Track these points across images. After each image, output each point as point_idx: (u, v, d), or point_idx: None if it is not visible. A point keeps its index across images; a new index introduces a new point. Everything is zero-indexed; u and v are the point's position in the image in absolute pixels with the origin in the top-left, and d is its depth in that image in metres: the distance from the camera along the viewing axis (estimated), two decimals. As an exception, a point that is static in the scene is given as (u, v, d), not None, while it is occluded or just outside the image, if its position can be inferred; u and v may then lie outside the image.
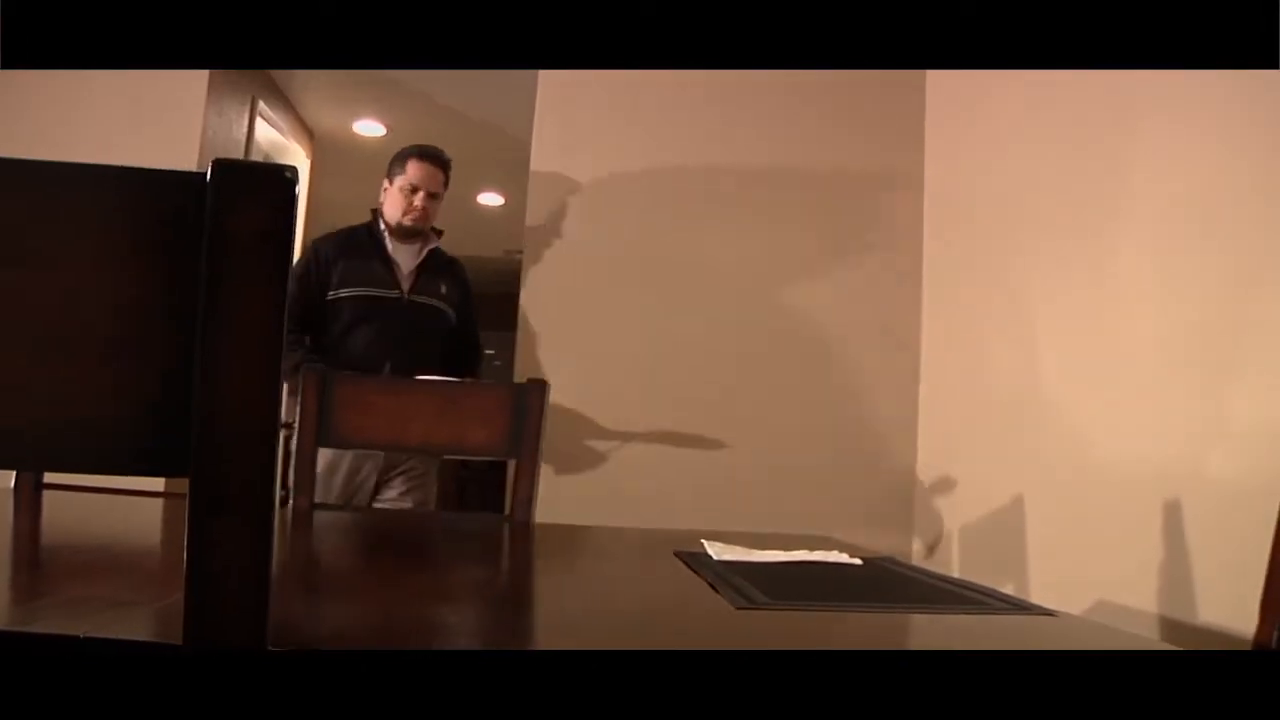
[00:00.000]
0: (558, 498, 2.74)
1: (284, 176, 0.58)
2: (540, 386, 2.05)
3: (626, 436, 3.19)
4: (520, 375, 3.11)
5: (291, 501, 2.09)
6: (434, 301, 3.07)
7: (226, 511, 0.61)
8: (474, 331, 3.24)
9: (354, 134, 5.15)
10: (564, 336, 3.26)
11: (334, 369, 2.45)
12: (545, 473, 2.67)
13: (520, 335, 3.25)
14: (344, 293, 2.98)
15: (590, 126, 3.34)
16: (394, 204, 3.08)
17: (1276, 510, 1.57)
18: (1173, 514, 2.14)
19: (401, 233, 3.06)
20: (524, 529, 1.91)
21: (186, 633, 0.61)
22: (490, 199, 6.38)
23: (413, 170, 3.10)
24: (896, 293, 3.37)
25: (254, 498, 0.61)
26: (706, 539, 1.48)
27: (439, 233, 3.19)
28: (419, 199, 3.05)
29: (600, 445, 3.18)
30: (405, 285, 3.03)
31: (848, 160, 3.39)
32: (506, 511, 2.08)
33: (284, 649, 0.65)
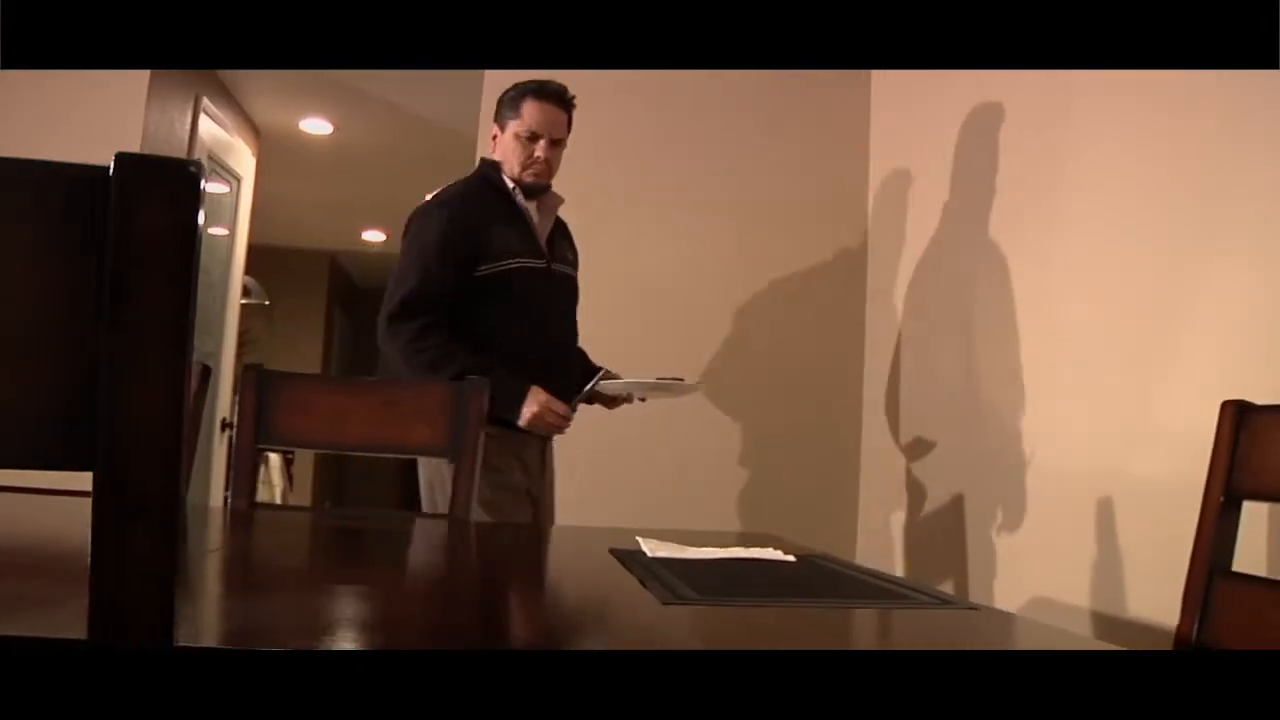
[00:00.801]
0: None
1: (188, 171, 0.58)
2: (480, 386, 2.05)
3: (573, 436, 3.19)
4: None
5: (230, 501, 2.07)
6: (571, 272, 2.61)
7: (131, 508, 0.60)
8: None
9: (301, 132, 5.10)
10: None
11: (490, 360, 2.29)
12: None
13: (465, 335, 3.23)
14: (503, 265, 2.43)
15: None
16: (510, 154, 2.51)
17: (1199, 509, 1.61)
18: (1105, 513, 2.18)
19: (525, 189, 2.51)
20: (463, 528, 1.91)
21: (91, 629, 0.61)
22: (439, 198, 6.34)
23: (530, 113, 2.49)
24: (843, 294, 3.40)
25: (160, 495, 0.61)
26: (642, 536, 1.49)
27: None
28: (540, 148, 2.48)
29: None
30: (546, 252, 2.53)
31: (794, 160, 3.42)
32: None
33: (190, 646, 0.64)
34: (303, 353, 8.25)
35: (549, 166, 2.51)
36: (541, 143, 2.48)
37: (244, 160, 4.75)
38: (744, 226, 3.36)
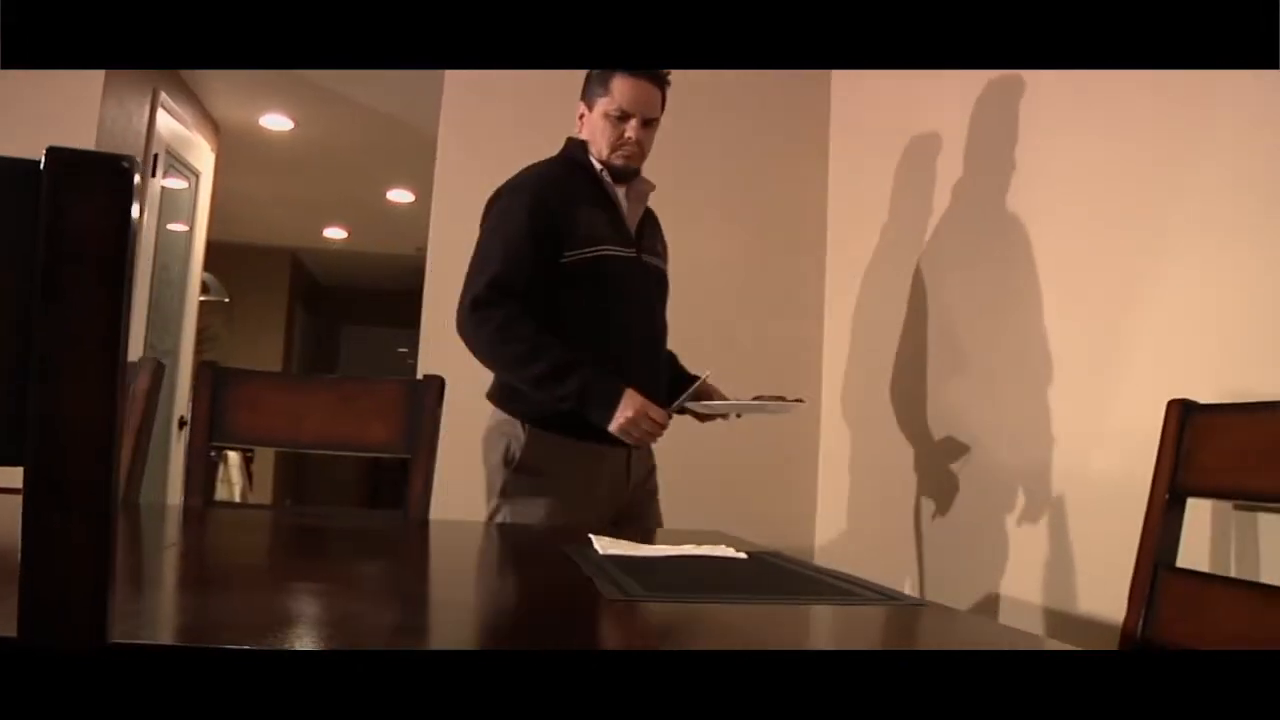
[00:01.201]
0: (462, 494, 2.72)
1: (121, 166, 0.58)
2: (436, 383, 2.04)
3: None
4: (424, 373, 3.08)
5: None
6: (661, 265, 2.38)
7: (65, 505, 0.60)
8: None
9: (261, 128, 5.06)
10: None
11: (583, 356, 2.12)
12: (450, 470, 2.66)
13: (424, 332, 3.22)
14: (589, 252, 2.21)
15: (496, 124, 3.33)
16: (598, 135, 2.29)
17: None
18: (1058, 510, 2.21)
19: (613, 172, 2.29)
20: (419, 526, 1.91)
21: (21, 627, 0.60)
22: (400, 195, 6.32)
23: (621, 90, 2.26)
24: (802, 289, 3.42)
25: (93, 491, 0.60)
26: (595, 535, 1.49)
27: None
28: (631, 128, 2.25)
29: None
30: (635, 241, 2.30)
31: (756, 156, 3.43)
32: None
33: (125, 643, 0.64)
34: (263, 350, 8.19)
35: (640, 149, 2.29)
36: (633, 122, 2.25)
37: (203, 156, 4.71)
38: (705, 222, 3.37)
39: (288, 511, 2.76)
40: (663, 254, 2.40)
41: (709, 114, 3.40)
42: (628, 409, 2.06)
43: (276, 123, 5.00)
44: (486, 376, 3.19)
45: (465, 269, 3.30)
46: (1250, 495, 1.57)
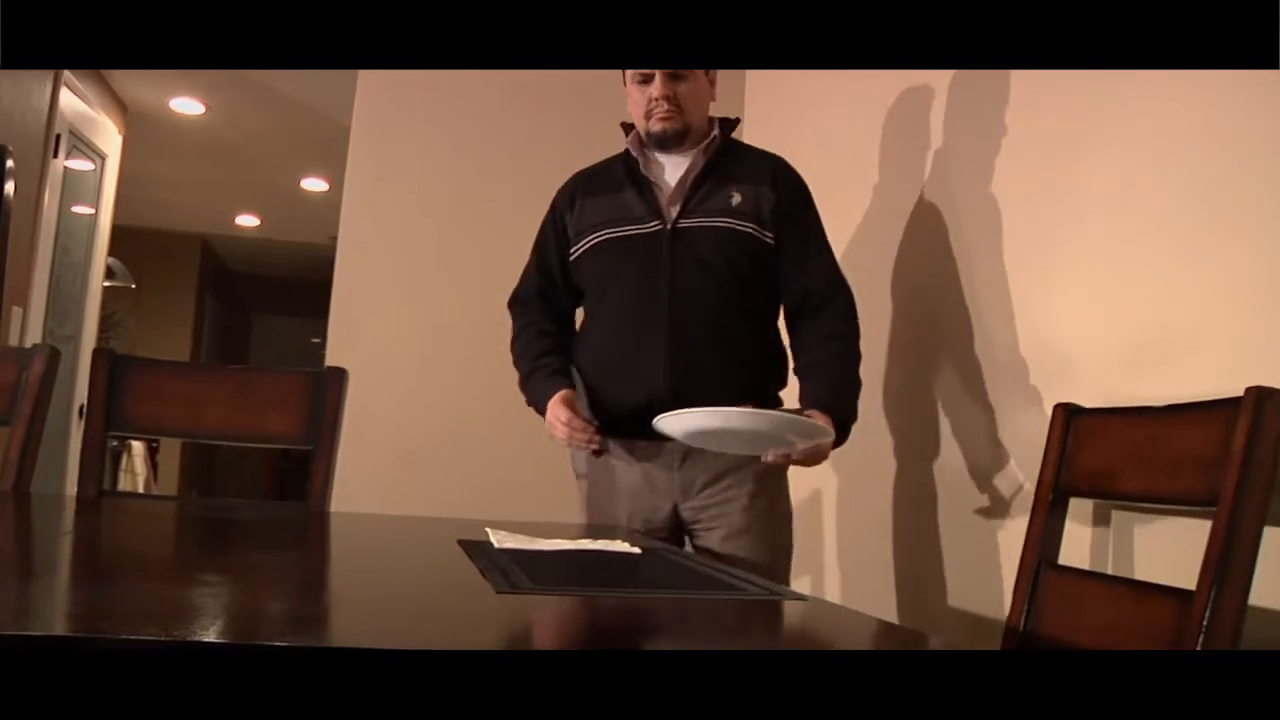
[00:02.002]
0: (365, 486, 2.71)
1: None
2: (339, 375, 2.03)
3: (439, 426, 3.18)
4: (332, 365, 3.05)
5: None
6: (713, 221, 2.03)
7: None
8: (821, 268, 2.08)
9: (171, 111, 4.95)
10: (378, 325, 3.22)
11: (564, 360, 2.09)
12: (356, 462, 2.64)
13: (332, 324, 3.19)
14: (586, 243, 2.11)
15: (410, 114, 3.31)
16: (634, 108, 2.14)
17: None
18: (958, 511, 2.27)
19: (657, 141, 2.10)
20: (318, 518, 1.89)
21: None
22: (314, 184, 6.23)
23: None
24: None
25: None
26: (491, 528, 1.50)
27: (728, 121, 2.15)
28: (656, 88, 2.05)
29: (413, 434, 3.16)
30: (671, 210, 2.05)
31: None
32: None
33: (9, 634, 0.64)
34: (171, 339, 8.01)
35: (675, 105, 2.05)
36: (656, 81, 2.05)
37: (110, 138, 4.59)
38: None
39: (185, 502, 2.70)
40: (737, 207, 2.02)
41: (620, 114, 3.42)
42: (550, 414, 2.02)
43: (187, 106, 4.89)
44: (394, 370, 3.18)
45: (377, 259, 3.29)
46: (1122, 495, 1.64)
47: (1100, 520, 1.79)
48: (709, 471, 2.00)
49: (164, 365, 2.19)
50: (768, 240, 2.04)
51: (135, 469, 6.35)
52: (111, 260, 5.37)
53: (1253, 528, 1.27)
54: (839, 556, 2.76)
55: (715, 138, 2.09)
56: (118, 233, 4.92)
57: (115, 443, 6.02)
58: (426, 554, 1.44)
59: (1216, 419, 1.36)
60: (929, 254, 2.44)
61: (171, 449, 7.76)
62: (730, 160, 2.09)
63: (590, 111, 3.39)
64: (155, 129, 5.13)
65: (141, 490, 6.34)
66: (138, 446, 6.42)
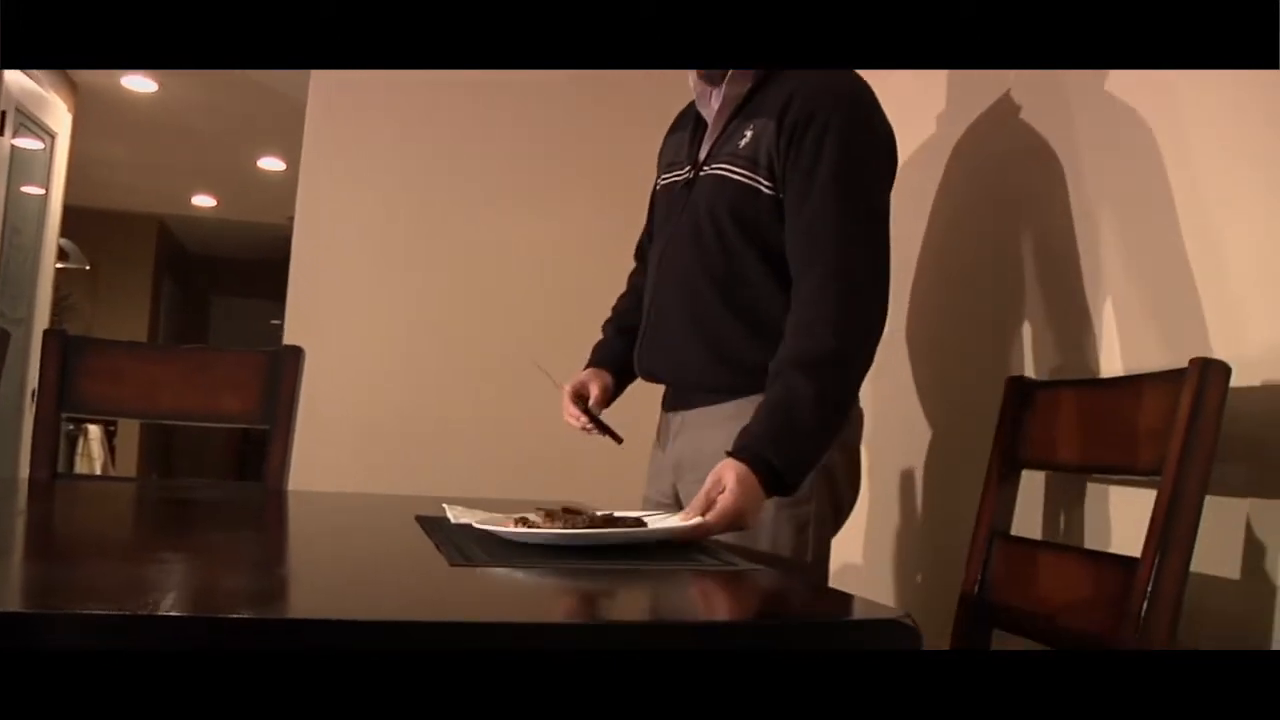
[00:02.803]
0: (324, 465, 2.70)
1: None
2: (295, 353, 2.02)
3: (399, 405, 3.17)
4: (291, 344, 3.03)
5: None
6: (718, 167, 1.67)
7: None
8: (804, 224, 1.56)
9: (122, 89, 4.86)
10: (336, 305, 3.20)
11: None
12: (316, 442, 2.63)
13: (290, 304, 3.16)
14: (653, 192, 1.93)
15: (366, 92, 3.27)
16: None
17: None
18: (915, 482, 2.30)
19: (707, 76, 1.73)
20: (276, 497, 1.89)
21: None
22: (271, 164, 6.16)
23: None
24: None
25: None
26: (449, 504, 1.51)
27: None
28: None
29: (373, 413, 3.14)
30: (702, 152, 1.74)
31: (625, 150, 3.44)
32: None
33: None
34: (128, 321, 7.91)
35: None
36: None
37: (59, 116, 4.51)
38: (580, 210, 3.38)
39: (140, 483, 2.68)
40: (743, 150, 1.64)
41: (575, 114, 3.40)
42: None
43: (139, 84, 4.81)
44: (353, 349, 3.17)
45: (334, 239, 3.27)
46: (1073, 466, 1.67)
47: (1053, 491, 1.82)
48: (694, 452, 1.70)
49: (117, 346, 2.16)
50: (764, 189, 1.60)
51: (92, 453, 6.28)
52: (64, 241, 5.29)
53: (1195, 496, 1.29)
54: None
55: (757, 75, 1.69)
56: (70, 213, 4.85)
57: (71, 427, 5.94)
58: (384, 530, 1.44)
59: (1162, 390, 1.38)
60: (951, 245, 2.46)
61: (130, 432, 7.67)
62: (774, 87, 1.66)
63: (550, 90, 3.38)
64: (107, 107, 5.05)
65: (99, 473, 6.27)
66: (94, 430, 6.35)
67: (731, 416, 1.58)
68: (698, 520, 1.33)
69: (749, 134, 1.63)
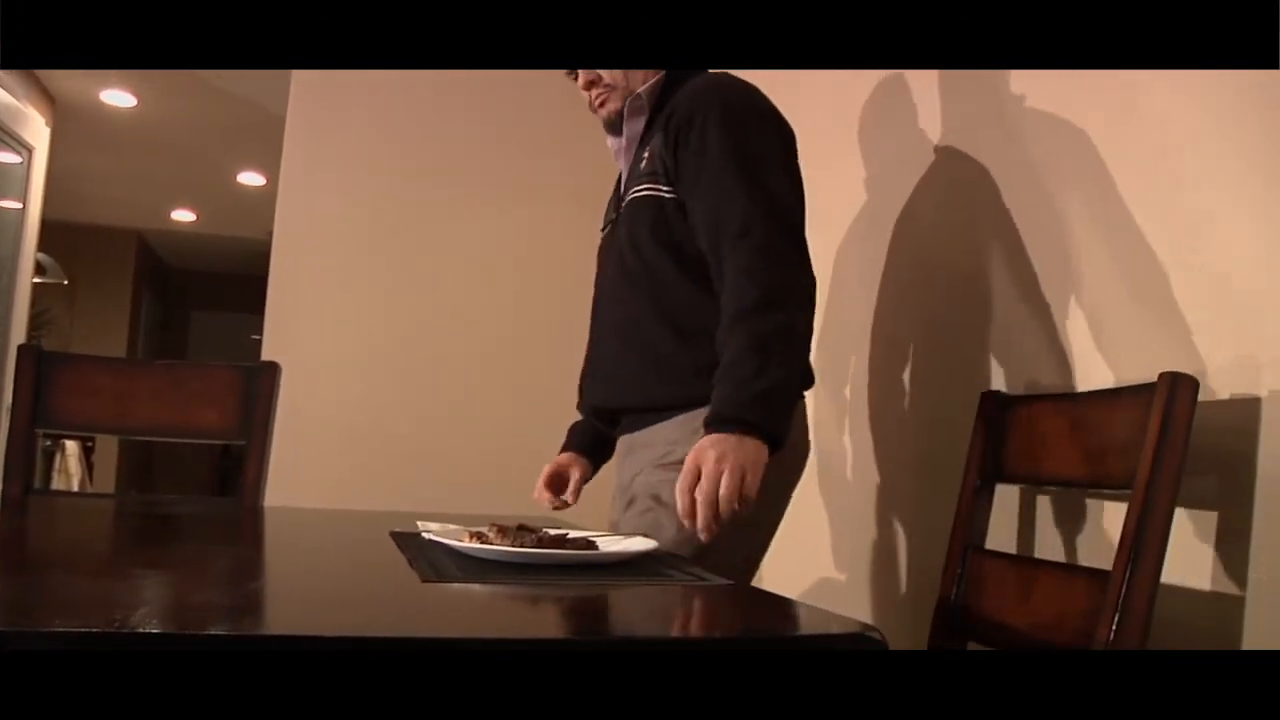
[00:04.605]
0: (301, 481, 2.69)
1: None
2: (271, 369, 2.02)
3: (377, 420, 3.16)
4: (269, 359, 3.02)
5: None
6: (640, 189, 1.70)
7: None
8: (708, 207, 1.58)
9: (101, 103, 4.85)
10: (315, 320, 3.20)
11: None
12: (294, 457, 2.62)
13: (269, 319, 3.16)
14: None
15: (346, 106, 3.28)
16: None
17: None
18: (886, 494, 2.31)
19: (609, 129, 1.84)
20: (251, 513, 1.88)
21: None
22: (251, 178, 6.15)
23: None
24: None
25: None
26: (423, 521, 1.50)
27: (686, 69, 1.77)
28: (580, 79, 1.81)
29: (351, 429, 3.14)
30: (622, 192, 1.82)
31: (603, 156, 3.45)
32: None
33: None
34: (107, 336, 7.87)
35: (605, 85, 1.77)
36: (580, 78, 1.80)
37: (37, 130, 4.50)
38: (556, 218, 3.39)
39: (114, 498, 2.67)
40: (648, 163, 1.70)
41: (551, 124, 3.41)
42: None
43: (118, 99, 4.80)
44: (332, 364, 3.16)
45: (313, 253, 3.27)
46: (1048, 480, 1.67)
47: (1027, 505, 1.83)
48: (630, 476, 1.73)
49: (92, 361, 2.16)
50: (665, 194, 1.65)
51: (69, 469, 6.23)
52: (41, 256, 5.26)
53: (1165, 508, 1.30)
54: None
55: (639, 94, 1.75)
56: (49, 228, 4.83)
57: (49, 443, 5.90)
58: (358, 546, 1.44)
59: (1132, 404, 1.40)
60: (831, 233, 2.47)
61: (109, 449, 7.62)
62: (665, 112, 1.72)
63: (527, 103, 3.39)
64: (85, 121, 5.04)
65: (76, 490, 6.22)
66: (71, 446, 6.30)
67: (673, 438, 1.61)
68: (702, 522, 1.39)
69: (646, 155, 1.71)
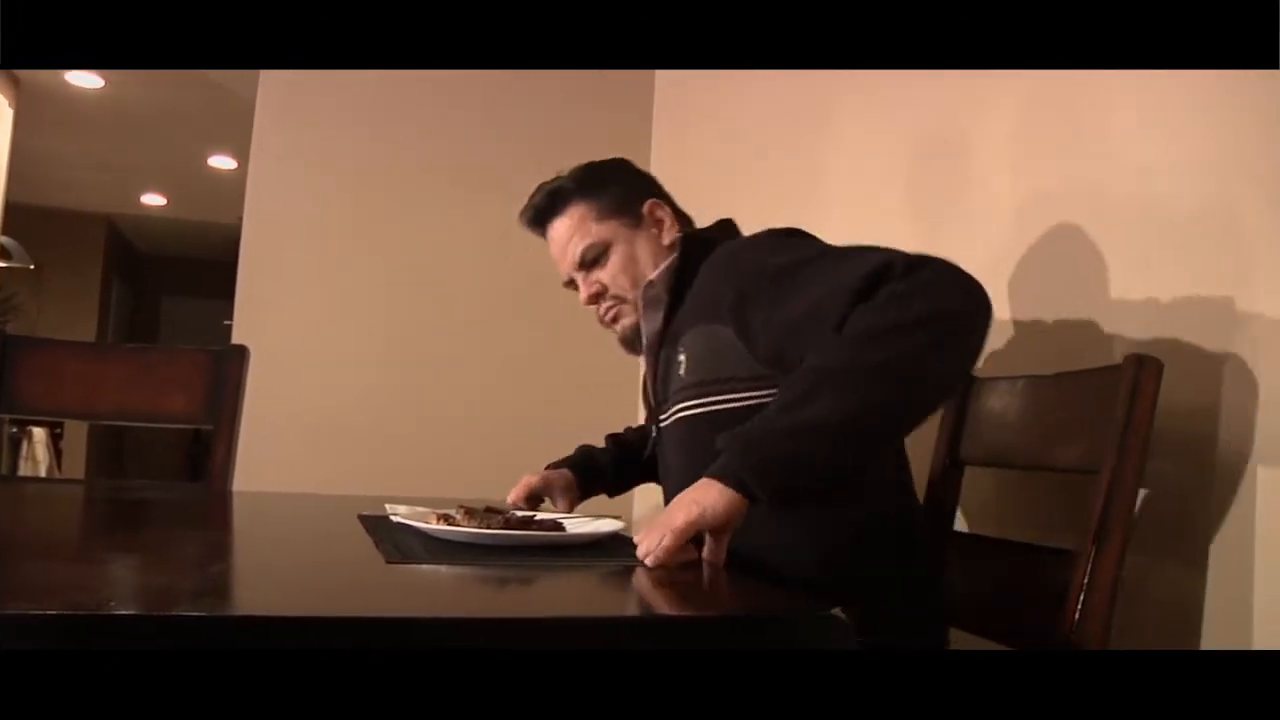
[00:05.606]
0: (269, 464, 2.67)
1: None
2: (240, 353, 2.00)
3: (348, 405, 3.15)
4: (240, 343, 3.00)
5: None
6: (671, 413, 1.50)
7: None
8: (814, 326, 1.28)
9: (66, 84, 4.79)
10: (286, 305, 3.17)
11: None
12: (262, 441, 2.60)
13: (239, 304, 3.13)
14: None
15: (316, 89, 3.25)
16: None
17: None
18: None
19: (629, 345, 1.65)
20: (220, 497, 1.87)
21: None
22: (222, 162, 6.10)
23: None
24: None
25: None
26: (391, 504, 1.50)
27: (691, 241, 1.58)
28: (580, 292, 1.64)
29: (322, 414, 3.12)
30: (655, 403, 1.62)
31: (576, 145, 3.41)
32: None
33: None
34: (76, 322, 7.78)
35: (612, 298, 1.61)
36: (579, 283, 1.64)
37: (0, 112, 4.44)
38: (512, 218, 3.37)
39: (82, 484, 2.65)
40: (680, 375, 1.47)
41: (525, 112, 3.39)
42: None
43: (84, 79, 4.74)
44: (299, 348, 3.14)
45: (284, 238, 3.24)
46: (1012, 461, 1.68)
47: (995, 486, 1.84)
48: None
49: (58, 345, 2.14)
50: (738, 404, 1.38)
51: (36, 456, 6.17)
52: (6, 240, 5.21)
53: (1130, 488, 1.31)
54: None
55: (652, 281, 1.56)
56: (14, 211, 4.78)
57: (15, 430, 5.84)
58: (325, 529, 1.44)
59: (1098, 385, 1.41)
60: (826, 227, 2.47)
61: (78, 435, 7.55)
62: (685, 304, 1.51)
63: (500, 91, 3.37)
64: (50, 103, 4.97)
65: (44, 477, 6.17)
66: (39, 433, 6.24)
67: None
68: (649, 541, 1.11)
69: (683, 358, 1.47)
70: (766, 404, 1.25)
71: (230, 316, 3.15)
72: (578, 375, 3.36)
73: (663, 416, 1.52)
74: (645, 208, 1.61)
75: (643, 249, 1.59)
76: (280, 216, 3.21)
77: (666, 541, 1.07)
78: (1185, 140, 1.50)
